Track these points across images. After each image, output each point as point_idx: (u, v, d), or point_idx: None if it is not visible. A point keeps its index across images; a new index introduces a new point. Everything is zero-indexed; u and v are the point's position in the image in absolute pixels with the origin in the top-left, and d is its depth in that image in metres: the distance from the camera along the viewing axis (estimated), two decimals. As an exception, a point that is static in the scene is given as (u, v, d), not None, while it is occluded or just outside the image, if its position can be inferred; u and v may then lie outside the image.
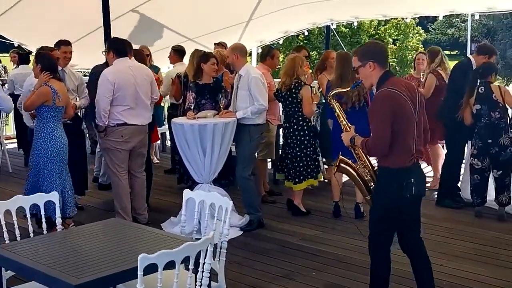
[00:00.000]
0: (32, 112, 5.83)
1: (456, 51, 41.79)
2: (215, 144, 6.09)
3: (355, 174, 4.22)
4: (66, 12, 9.02)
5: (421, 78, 8.09)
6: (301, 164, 6.61)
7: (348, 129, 4.17)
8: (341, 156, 4.33)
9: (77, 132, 6.84)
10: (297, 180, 6.65)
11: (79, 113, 7.40)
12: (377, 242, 4.08)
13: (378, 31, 29.22)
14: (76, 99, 7.01)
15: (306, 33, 13.09)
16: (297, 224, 6.47)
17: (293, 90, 6.48)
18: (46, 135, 5.64)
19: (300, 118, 6.56)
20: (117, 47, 6.15)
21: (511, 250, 5.60)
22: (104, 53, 6.42)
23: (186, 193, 3.98)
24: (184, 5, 9.75)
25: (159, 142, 10.59)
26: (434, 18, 40.63)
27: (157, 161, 9.83)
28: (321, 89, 7.50)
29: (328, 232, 6.15)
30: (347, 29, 27.61)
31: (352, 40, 27.73)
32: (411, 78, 8.25)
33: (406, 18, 28.22)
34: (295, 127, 6.59)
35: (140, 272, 2.74)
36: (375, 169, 4.20)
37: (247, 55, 6.60)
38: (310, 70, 7.82)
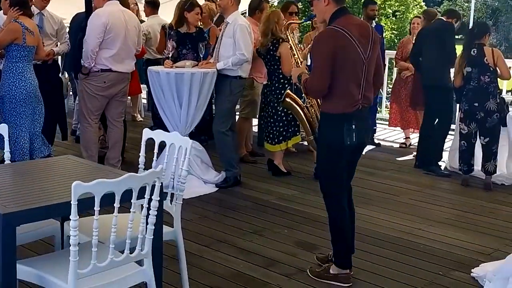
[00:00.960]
0: (1, 51, 5.54)
1: (461, 36, 41.34)
2: (192, 95, 5.82)
3: (300, 111, 4.04)
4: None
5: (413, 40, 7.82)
6: (281, 124, 6.33)
7: (300, 64, 3.94)
8: (288, 91, 4.12)
9: (54, 79, 6.57)
10: (276, 140, 6.39)
11: (58, 60, 7.09)
12: (328, 186, 3.87)
13: (379, 1, 28.56)
14: (56, 44, 6.75)
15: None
16: (275, 183, 6.23)
17: (271, 48, 6.19)
18: (15, 76, 5.37)
19: (281, 76, 6.24)
20: None
21: (493, 218, 5.37)
22: None
23: (145, 132, 3.72)
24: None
25: (144, 101, 10.35)
26: (441, 1, 40.24)
27: (141, 119, 9.56)
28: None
29: (306, 192, 5.89)
30: (347, -1, 27.18)
31: (353, 9, 27.22)
32: (407, 43, 8.01)
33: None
34: (276, 85, 6.30)
35: (74, 202, 2.48)
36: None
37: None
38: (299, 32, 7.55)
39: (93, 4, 6.03)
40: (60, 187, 2.94)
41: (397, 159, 7.59)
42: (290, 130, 6.40)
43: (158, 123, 6.85)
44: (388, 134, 9.05)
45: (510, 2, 34.63)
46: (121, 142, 6.28)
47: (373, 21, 8.11)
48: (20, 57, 5.35)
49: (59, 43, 6.73)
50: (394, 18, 29.49)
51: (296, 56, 4.03)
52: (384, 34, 8.80)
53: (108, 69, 5.78)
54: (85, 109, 5.91)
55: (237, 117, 7.00)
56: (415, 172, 6.89)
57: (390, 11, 29.55)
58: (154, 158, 3.71)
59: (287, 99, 4.09)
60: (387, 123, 9.57)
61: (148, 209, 2.79)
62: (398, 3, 29.56)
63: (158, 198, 2.82)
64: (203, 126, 6.54)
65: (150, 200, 2.77)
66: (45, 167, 3.42)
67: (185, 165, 3.45)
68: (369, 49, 3.64)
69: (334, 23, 3.60)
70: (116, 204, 2.58)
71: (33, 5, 6.44)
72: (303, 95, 4.04)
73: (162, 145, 3.67)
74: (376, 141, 8.33)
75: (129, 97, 9.09)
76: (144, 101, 10.36)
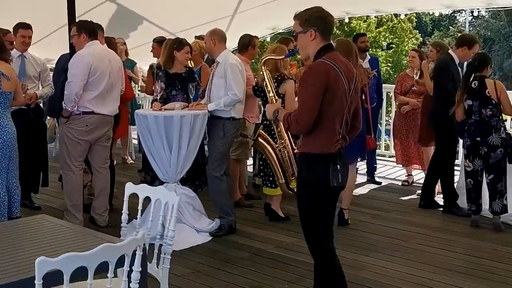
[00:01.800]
0: (-24, 98, 5.18)
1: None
2: (183, 139, 5.46)
3: (272, 153, 3.71)
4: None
5: (414, 75, 7.55)
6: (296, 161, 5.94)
7: (275, 101, 3.65)
8: (260, 130, 3.82)
9: (37, 123, 6.27)
10: (275, 184, 6.01)
11: (40, 104, 6.73)
12: (314, 237, 3.55)
13: (372, 34, 28.27)
14: (38, 87, 6.43)
15: (296, 30, 12.44)
16: (273, 230, 5.82)
17: (275, 84, 5.83)
18: (-11, 123, 5.00)
19: (281, 116, 5.91)
20: (90, 29, 5.59)
21: (509, 264, 4.98)
22: (73, 37, 5.70)
23: (128, 187, 3.36)
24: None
25: (135, 142, 9.99)
26: (432, 31, 40.30)
27: (132, 161, 9.20)
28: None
29: (306, 239, 5.50)
30: (340, 31, 26.90)
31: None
32: (406, 77, 7.73)
33: (403, 21, 27.65)
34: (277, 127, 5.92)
35: (38, 281, 2.10)
36: (295, 151, 3.67)
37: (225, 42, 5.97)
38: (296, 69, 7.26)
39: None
40: (26, 258, 2.55)
41: (401, 198, 7.21)
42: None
43: (149, 166, 6.47)
44: (388, 171, 8.69)
45: (503, 31, 34.71)
46: (108, 190, 5.91)
47: (367, 54, 7.85)
48: (-4, 104, 5.00)
49: (41, 86, 6.41)
50: (389, 51, 29.23)
51: (272, 94, 3.74)
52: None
53: (90, 112, 5.46)
54: (67, 155, 5.56)
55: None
56: (420, 213, 6.51)
57: (385, 43, 29.32)
58: (138, 216, 3.33)
59: (260, 140, 3.78)
60: (387, 159, 9.30)
61: (129, 281, 2.41)
62: (392, 35, 29.28)
63: (140, 269, 2.44)
64: (197, 170, 6.16)
65: (130, 271, 2.39)
66: (13, 231, 3.03)
67: (172, 225, 3.08)
68: (353, 88, 3.44)
69: (321, 58, 3.36)
70: (89, 281, 2.20)
71: (14, 48, 6.19)
72: (275, 135, 3.77)
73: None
74: (377, 179, 7.99)
75: (118, 140, 8.82)
76: (135, 141, 9.99)
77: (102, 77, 5.44)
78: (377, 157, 8.76)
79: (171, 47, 6.21)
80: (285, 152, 3.70)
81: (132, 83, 9.16)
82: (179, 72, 6.11)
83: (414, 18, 30.63)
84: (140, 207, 3.31)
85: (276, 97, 3.77)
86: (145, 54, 9.19)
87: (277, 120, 3.59)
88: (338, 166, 3.42)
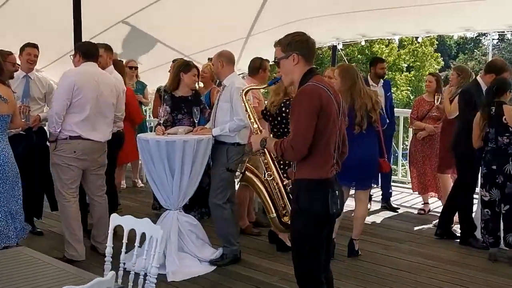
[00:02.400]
0: (-28, 120, 5.04)
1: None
2: (185, 165, 5.26)
3: (261, 186, 3.50)
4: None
5: (435, 101, 7.30)
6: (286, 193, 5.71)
7: (259, 132, 3.50)
8: (246, 164, 3.62)
9: (40, 146, 6.04)
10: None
11: (45, 127, 6.59)
12: (306, 270, 3.36)
13: (393, 57, 27.87)
14: (44, 109, 6.31)
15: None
16: (279, 261, 5.58)
17: (283, 109, 5.60)
18: (-15, 148, 4.85)
19: (289, 141, 5.70)
20: (84, 50, 5.40)
21: (529, 303, 4.68)
22: (71, 56, 5.62)
23: (113, 219, 3.16)
24: (179, 19, 9.04)
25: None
26: (457, 54, 39.83)
27: (142, 185, 9.03)
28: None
29: (314, 272, 5.23)
30: (361, 55, 26.56)
31: (367, 66, 26.60)
32: (423, 102, 7.46)
33: (424, 44, 27.12)
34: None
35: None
36: (284, 183, 3.48)
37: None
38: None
39: None
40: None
41: (416, 228, 6.91)
42: None
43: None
44: (404, 199, 8.39)
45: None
46: (107, 216, 5.66)
47: (381, 79, 7.65)
48: (-8, 127, 4.85)
49: (45, 108, 6.28)
50: (409, 74, 28.74)
51: (256, 125, 3.57)
52: (396, 90, 8.33)
53: (77, 136, 5.21)
54: (59, 182, 5.32)
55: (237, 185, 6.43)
56: (435, 244, 6.21)
57: (405, 65, 28.85)
58: (122, 249, 3.13)
59: (247, 173, 3.58)
60: (403, 185, 9.04)
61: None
62: (413, 58, 28.77)
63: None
64: (202, 197, 5.94)
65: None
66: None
67: (155, 261, 2.86)
68: (341, 112, 3.35)
69: (310, 81, 3.24)
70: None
71: (18, 69, 6.09)
72: (265, 166, 3.58)
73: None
74: (393, 205, 7.74)
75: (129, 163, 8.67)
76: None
77: (86, 99, 5.20)
78: (393, 184, 8.50)
79: (178, 69, 6.07)
80: (274, 184, 3.48)
81: (143, 106, 9.05)
82: (185, 95, 5.95)
83: (435, 41, 30.17)
84: (124, 240, 3.10)
85: (261, 128, 3.64)
86: (157, 77, 9.09)
87: (264, 149, 3.41)
88: (336, 192, 3.31)
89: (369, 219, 6.85)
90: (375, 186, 6.55)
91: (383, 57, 22.05)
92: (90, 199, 5.55)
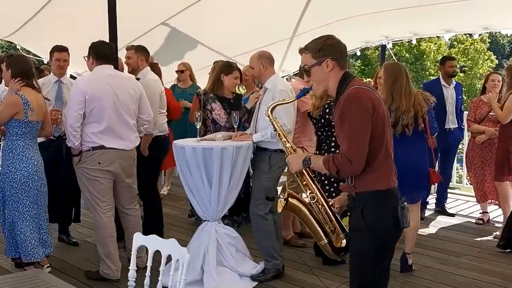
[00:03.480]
0: (1, 127, 4.82)
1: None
2: (224, 173, 4.91)
3: (307, 212, 3.08)
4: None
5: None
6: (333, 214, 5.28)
7: (293, 151, 3.11)
8: (288, 190, 3.19)
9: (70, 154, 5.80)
10: None
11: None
12: None
13: (442, 55, 26.75)
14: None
15: (359, 53, 11.77)
16: (325, 276, 5.14)
17: (327, 111, 5.25)
18: (15, 155, 4.63)
19: (333, 145, 5.30)
20: (97, 51, 4.94)
21: None
22: (85, 58, 5.18)
23: (136, 238, 2.82)
24: (220, 20, 8.75)
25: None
26: (510, 53, 38.54)
27: (165, 192, 8.58)
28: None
29: None
30: (410, 54, 25.72)
31: (416, 66, 25.70)
32: (481, 103, 6.91)
33: (476, 42, 26.13)
34: (326, 154, 5.29)
35: None
36: (330, 203, 3.14)
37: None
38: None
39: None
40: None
41: (475, 239, 6.37)
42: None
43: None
44: (460, 207, 7.85)
45: None
46: (140, 229, 5.32)
47: (453, 79, 7.17)
48: (21, 134, 4.62)
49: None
50: (461, 74, 27.68)
51: (289, 144, 3.19)
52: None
53: (100, 146, 4.83)
54: (90, 196, 4.93)
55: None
56: (497, 258, 5.68)
57: (458, 65, 27.83)
58: (147, 273, 2.78)
59: (291, 200, 3.17)
60: (459, 192, 8.53)
61: None
62: (465, 58, 27.64)
63: None
64: (237, 205, 5.58)
65: None
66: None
67: (182, 286, 2.50)
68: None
69: (348, 87, 2.91)
70: None
71: (51, 73, 5.87)
72: (304, 187, 3.17)
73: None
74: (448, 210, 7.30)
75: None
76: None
77: (102, 106, 4.78)
78: (450, 190, 7.98)
79: (219, 71, 5.76)
80: (319, 206, 3.08)
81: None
82: (227, 97, 5.64)
83: (487, 39, 29.06)
84: (149, 263, 2.75)
85: (295, 147, 3.25)
86: (198, 80, 8.79)
87: (307, 168, 3.07)
88: (405, 203, 2.99)
89: (423, 230, 6.38)
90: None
91: (432, 55, 21.30)
92: (120, 212, 5.17)
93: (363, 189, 2.94)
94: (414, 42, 11.35)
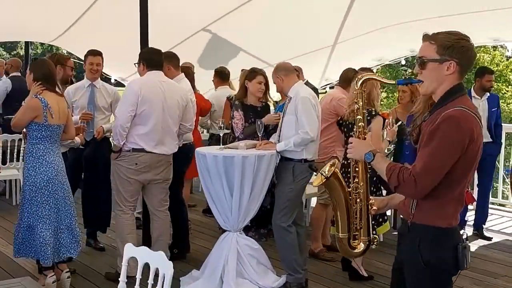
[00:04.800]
0: (24, 131, 4.83)
1: None
2: (245, 182, 4.78)
3: (343, 197, 2.81)
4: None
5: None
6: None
7: (363, 135, 2.79)
8: (336, 169, 2.87)
9: (102, 158, 5.76)
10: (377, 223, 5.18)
11: (110, 138, 6.32)
12: None
13: (499, 67, 25.45)
14: (109, 119, 6.07)
15: (404, 62, 11.40)
16: (351, 292, 4.97)
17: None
18: (35, 159, 4.61)
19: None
20: (148, 58, 5.06)
21: None
22: (135, 64, 5.28)
23: (128, 249, 2.71)
24: (262, 26, 8.64)
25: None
26: None
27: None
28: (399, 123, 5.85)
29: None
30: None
31: (467, 77, 24.31)
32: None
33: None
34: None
35: None
36: (370, 202, 2.86)
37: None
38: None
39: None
40: None
41: (514, 260, 6.04)
42: (377, 216, 5.08)
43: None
44: (504, 224, 7.47)
45: None
46: (168, 234, 5.34)
47: (487, 93, 6.83)
48: (41, 137, 4.59)
49: (112, 118, 6.04)
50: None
51: (362, 124, 2.85)
52: (502, 103, 7.39)
53: (140, 149, 4.92)
54: (117, 194, 5.08)
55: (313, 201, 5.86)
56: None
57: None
58: (136, 286, 2.67)
59: (333, 179, 2.88)
60: (506, 209, 8.14)
61: None
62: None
63: None
64: (263, 217, 5.42)
65: None
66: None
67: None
68: None
69: (453, 103, 2.58)
70: None
71: (85, 77, 5.90)
72: (349, 174, 2.91)
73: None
74: (487, 233, 6.86)
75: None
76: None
77: (152, 110, 4.88)
78: (492, 206, 7.60)
79: (243, 78, 5.67)
80: (358, 200, 2.83)
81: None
82: (255, 105, 5.51)
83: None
84: (138, 276, 2.64)
85: (366, 131, 2.88)
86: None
87: (369, 163, 2.74)
88: (467, 241, 2.70)
89: (460, 249, 6.06)
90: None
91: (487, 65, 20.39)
92: (151, 213, 5.21)
93: (422, 221, 2.65)
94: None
